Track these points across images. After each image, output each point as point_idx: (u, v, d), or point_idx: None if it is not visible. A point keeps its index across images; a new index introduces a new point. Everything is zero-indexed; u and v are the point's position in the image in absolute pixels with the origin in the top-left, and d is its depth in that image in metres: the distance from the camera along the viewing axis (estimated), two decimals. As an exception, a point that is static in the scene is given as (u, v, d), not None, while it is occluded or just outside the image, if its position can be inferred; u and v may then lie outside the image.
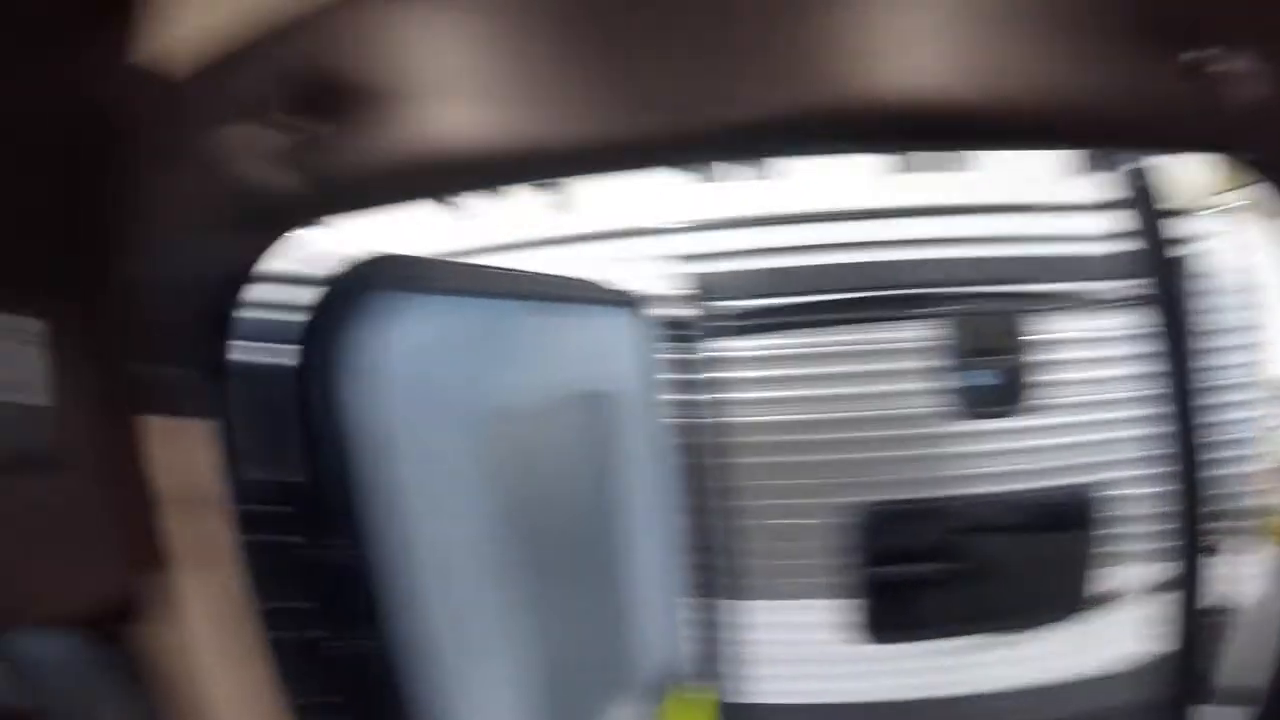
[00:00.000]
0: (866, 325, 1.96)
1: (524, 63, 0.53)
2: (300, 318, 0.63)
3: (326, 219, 0.61)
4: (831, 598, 1.96)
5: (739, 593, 1.82)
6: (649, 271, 1.42)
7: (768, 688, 2.02)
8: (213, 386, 0.62)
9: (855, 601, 2.02)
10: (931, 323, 1.98)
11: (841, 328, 1.93)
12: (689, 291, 1.48)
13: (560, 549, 1.03)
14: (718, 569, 1.73)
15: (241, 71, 0.57)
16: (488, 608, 0.88)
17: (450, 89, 0.55)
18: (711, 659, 1.79)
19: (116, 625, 0.71)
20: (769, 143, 0.59)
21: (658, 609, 1.40)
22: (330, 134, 0.55)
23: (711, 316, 1.56)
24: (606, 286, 1.25)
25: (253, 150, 0.55)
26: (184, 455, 0.63)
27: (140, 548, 0.63)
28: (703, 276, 1.55)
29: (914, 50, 0.50)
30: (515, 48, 0.53)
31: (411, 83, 0.54)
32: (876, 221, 1.92)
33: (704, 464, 1.60)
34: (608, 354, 1.18)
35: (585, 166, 0.59)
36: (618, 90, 0.52)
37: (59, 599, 0.61)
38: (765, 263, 1.82)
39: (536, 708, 0.97)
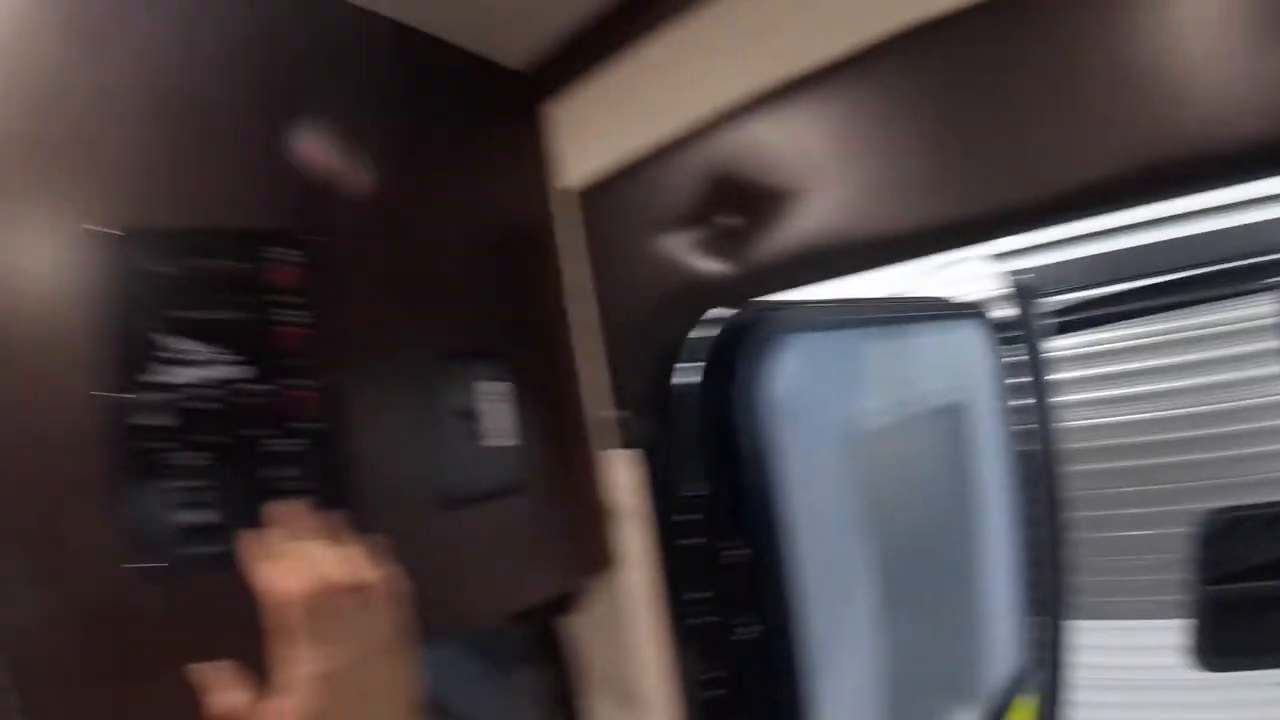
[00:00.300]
0: (1201, 307, 1.72)
1: (894, 156, 0.60)
2: (707, 360, 0.75)
3: (745, 298, 0.71)
4: (1168, 618, 1.74)
5: (1074, 611, 1.69)
6: (973, 275, 1.41)
7: (1099, 715, 1.85)
8: (646, 424, 0.76)
9: (1195, 622, 1.75)
10: (1273, 295, 1.69)
11: (1173, 313, 1.71)
12: (1012, 291, 1.43)
13: (917, 557, 1.08)
14: (1054, 585, 1.63)
15: (658, 180, 0.70)
16: (855, 606, 0.95)
17: (834, 183, 0.62)
18: (1044, 679, 1.68)
19: (554, 616, 0.88)
20: (1119, 198, 0.60)
21: (1001, 623, 1.37)
22: (741, 227, 0.65)
23: (1037, 315, 1.48)
24: (949, 300, 1.27)
25: (678, 244, 0.69)
26: (620, 476, 0.78)
27: (586, 554, 0.78)
28: (1024, 273, 1.48)
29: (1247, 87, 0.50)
30: (884, 143, 0.60)
31: (800, 180, 0.63)
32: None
33: (1041, 473, 1.52)
34: (956, 366, 1.20)
35: (958, 241, 0.63)
36: (980, 171, 0.57)
37: (523, 596, 0.78)
38: (1087, 250, 1.68)
39: (885, 704, 1.02)
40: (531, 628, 0.92)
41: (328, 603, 0.57)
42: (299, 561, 0.58)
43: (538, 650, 0.93)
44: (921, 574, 1.12)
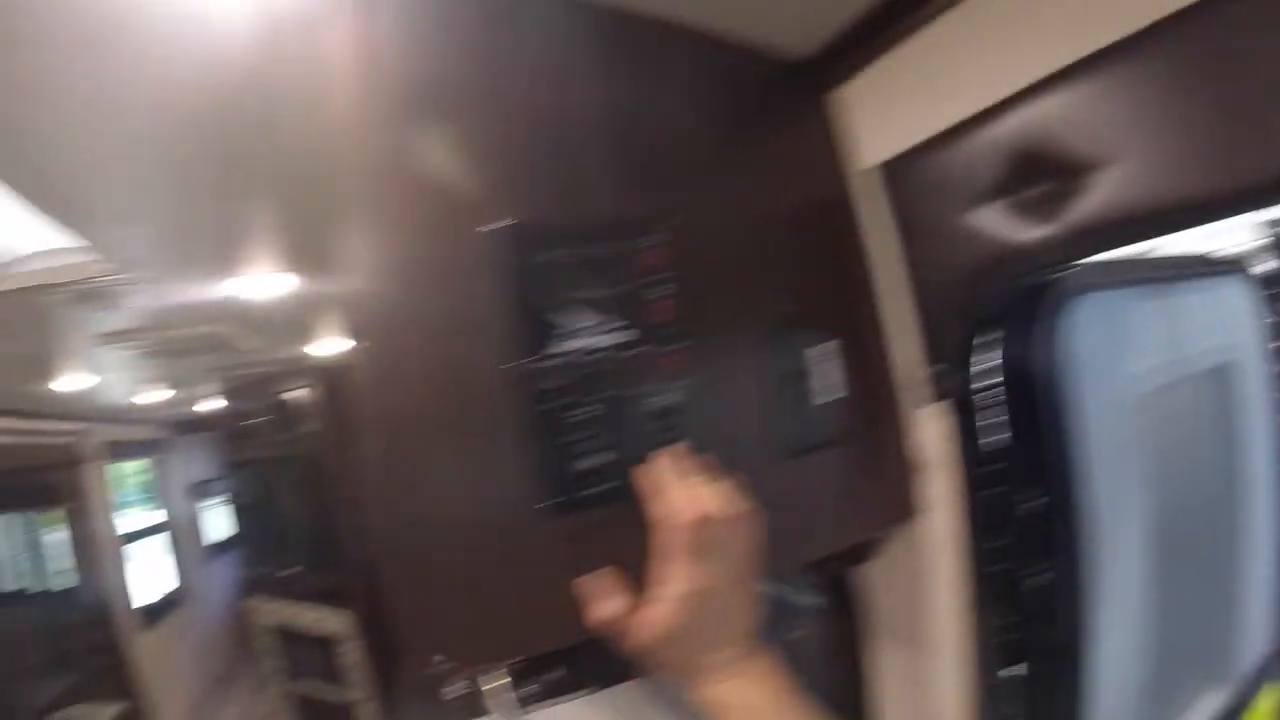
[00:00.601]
0: None
1: (1189, 125, 0.62)
2: (1007, 320, 0.79)
3: (1045, 263, 0.75)
4: None
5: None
6: (1234, 227, 1.35)
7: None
8: (952, 381, 0.81)
9: None
10: None
11: None
12: (1275, 242, 1.35)
13: (1181, 525, 1.06)
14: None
15: (958, 155, 0.75)
16: (1130, 566, 0.95)
17: (1131, 152, 0.65)
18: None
19: (847, 564, 0.95)
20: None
21: (1257, 603, 1.31)
22: (1042, 197, 0.69)
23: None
24: (1212, 255, 1.23)
25: (979, 215, 0.73)
26: (927, 431, 0.84)
27: (892, 503, 0.84)
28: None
29: None
30: (1179, 113, 0.62)
31: (1098, 150, 0.66)
32: None
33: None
34: (1222, 326, 1.16)
35: (1250, 205, 0.64)
36: (1273, 137, 0.58)
37: (833, 543, 0.84)
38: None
39: (1146, 669, 1.00)
40: (823, 575, 0.99)
41: (708, 529, 0.66)
42: (684, 494, 0.66)
43: (827, 598, 1.00)
44: (1185, 543, 1.09)
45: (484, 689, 1.50)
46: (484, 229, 0.67)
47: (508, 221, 0.67)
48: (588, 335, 0.70)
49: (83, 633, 2.77)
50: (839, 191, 0.83)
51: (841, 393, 0.80)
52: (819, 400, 0.79)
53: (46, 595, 3.32)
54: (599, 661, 2.12)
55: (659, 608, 0.65)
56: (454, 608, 0.66)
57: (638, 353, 0.71)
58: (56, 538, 3.39)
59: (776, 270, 0.79)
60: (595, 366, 0.70)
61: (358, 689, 2.88)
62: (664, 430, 0.71)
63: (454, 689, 2.01)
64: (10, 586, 3.31)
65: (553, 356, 0.68)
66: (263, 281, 2.23)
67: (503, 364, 0.66)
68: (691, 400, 0.72)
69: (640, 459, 0.69)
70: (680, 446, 0.70)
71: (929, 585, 0.86)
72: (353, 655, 2.82)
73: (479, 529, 0.66)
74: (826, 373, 0.79)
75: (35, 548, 3.46)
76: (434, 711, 2.11)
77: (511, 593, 0.67)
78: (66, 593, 3.21)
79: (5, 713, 2.44)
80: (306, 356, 2.67)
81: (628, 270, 0.72)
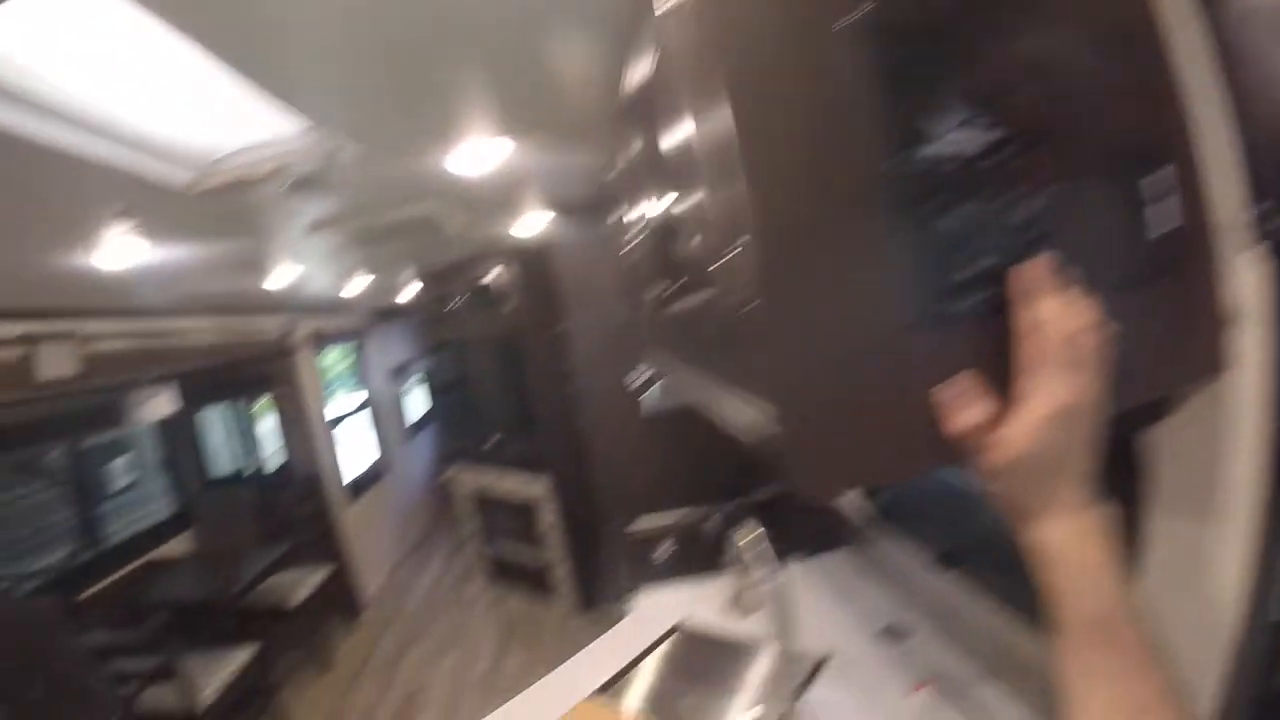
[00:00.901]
0: None
1: None
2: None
3: None
4: None
5: None
6: None
7: None
8: (1271, 226, 0.77)
9: None
10: None
11: None
12: None
13: None
14: None
15: None
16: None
17: None
18: None
19: (1136, 425, 0.90)
20: None
21: None
22: None
23: None
24: None
25: None
26: (1245, 279, 0.78)
27: (1199, 356, 0.79)
28: None
29: None
30: None
31: None
32: None
33: None
34: None
35: None
36: None
37: (1139, 392, 0.78)
38: None
39: None
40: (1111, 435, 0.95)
41: (1080, 344, 0.63)
42: (1058, 305, 0.64)
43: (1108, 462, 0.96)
44: None
45: (740, 543, 1.54)
46: (840, 23, 0.65)
47: (868, 6, 0.65)
48: (953, 138, 0.67)
49: (295, 506, 3.00)
50: (1152, 15, 0.78)
51: (1177, 222, 0.75)
52: (1152, 233, 0.75)
53: (261, 475, 3.64)
54: (806, 529, 2.14)
55: (1021, 424, 0.63)
56: (820, 433, 0.66)
57: (1003, 157, 0.68)
58: (269, 423, 3.70)
59: (1103, 97, 0.75)
60: (961, 171, 0.67)
61: (554, 550, 3.02)
62: (1031, 241, 0.69)
63: (663, 551, 2.07)
64: (228, 469, 3.64)
65: (919, 160, 0.66)
66: (474, 155, 2.29)
67: (872, 169, 0.65)
68: (1056, 213, 0.70)
69: (1009, 269, 0.67)
70: (1048, 257, 0.68)
71: (1227, 449, 0.82)
72: (549, 518, 2.96)
73: (847, 346, 0.66)
74: (1161, 203, 0.75)
75: (250, 433, 3.79)
76: (635, 572, 2.18)
77: (879, 413, 0.66)
78: (279, 471, 3.49)
79: (230, 580, 2.67)
80: (511, 236, 2.74)
81: (986, 72, 0.69)
